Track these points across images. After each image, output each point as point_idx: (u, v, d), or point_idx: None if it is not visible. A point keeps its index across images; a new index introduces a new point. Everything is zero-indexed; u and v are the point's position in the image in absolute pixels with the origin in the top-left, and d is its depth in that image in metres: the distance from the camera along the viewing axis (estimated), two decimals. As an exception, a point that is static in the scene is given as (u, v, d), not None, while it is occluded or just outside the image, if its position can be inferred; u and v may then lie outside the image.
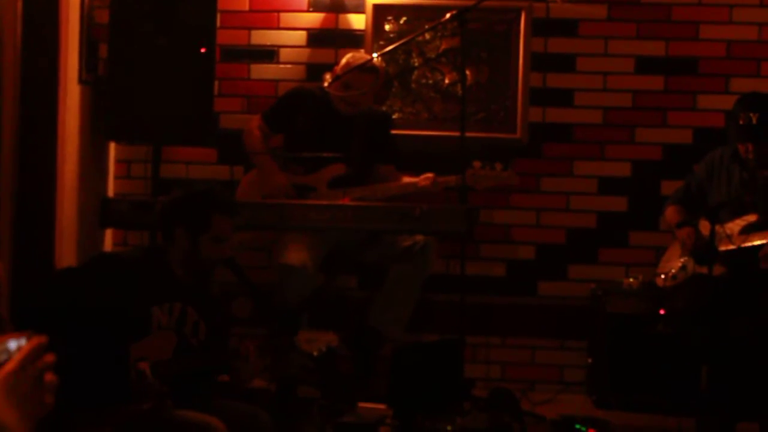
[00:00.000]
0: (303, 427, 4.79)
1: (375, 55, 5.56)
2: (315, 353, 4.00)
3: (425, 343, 5.34)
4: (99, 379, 3.55)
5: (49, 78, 5.08)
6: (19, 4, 4.84)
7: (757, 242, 4.91)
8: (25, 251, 4.93)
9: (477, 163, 5.22)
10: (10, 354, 1.68)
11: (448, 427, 4.61)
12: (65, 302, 3.70)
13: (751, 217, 5.03)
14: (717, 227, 4.76)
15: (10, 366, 1.66)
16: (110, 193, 5.96)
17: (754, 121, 4.98)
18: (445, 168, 5.40)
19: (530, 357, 5.94)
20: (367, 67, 5.42)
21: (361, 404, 4.96)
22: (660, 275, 5.32)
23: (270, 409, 4.31)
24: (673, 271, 5.24)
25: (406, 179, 5.44)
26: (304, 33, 6.03)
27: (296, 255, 5.15)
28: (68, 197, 5.30)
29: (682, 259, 5.22)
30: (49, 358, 1.70)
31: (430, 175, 5.36)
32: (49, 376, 1.71)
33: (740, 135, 5.07)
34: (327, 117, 5.51)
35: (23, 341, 1.69)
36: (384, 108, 5.92)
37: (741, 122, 5.03)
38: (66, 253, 5.19)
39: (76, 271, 4.33)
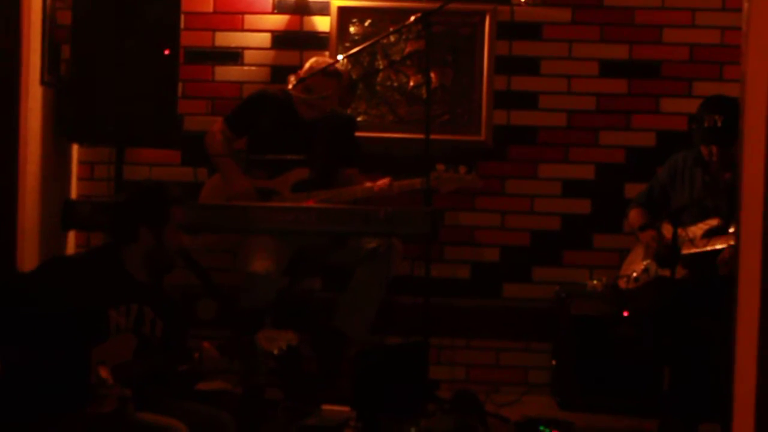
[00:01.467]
0: (267, 429, 4.77)
1: (339, 57, 5.55)
2: (275, 351, 4.02)
3: (389, 345, 5.35)
4: (59, 384, 3.54)
5: (10, 79, 5.02)
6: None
7: (719, 246, 4.93)
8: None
9: (441, 166, 5.22)
10: None
11: (412, 429, 4.61)
12: (19, 309, 3.68)
13: (714, 221, 5.05)
14: (679, 230, 4.78)
15: None
16: (73, 194, 5.92)
17: (719, 123, 5.01)
18: (410, 170, 5.40)
19: (495, 359, 5.95)
20: (330, 71, 5.41)
21: (326, 406, 4.95)
22: (623, 277, 5.34)
23: (235, 411, 4.30)
24: (636, 273, 5.26)
25: (369, 183, 5.43)
26: (268, 35, 6.02)
27: (261, 262, 5.13)
28: (30, 199, 5.24)
29: (644, 262, 5.25)
30: None
31: (386, 179, 5.36)
32: None
33: (705, 137, 5.09)
34: (290, 121, 5.50)
35: None
36: (349, 110, 5.91)
37: (706, 125, 5.05)
38: (28, 257, 5.14)
39: (28, 276, 4.29)
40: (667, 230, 5.07)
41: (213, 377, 4.64)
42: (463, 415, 4.89)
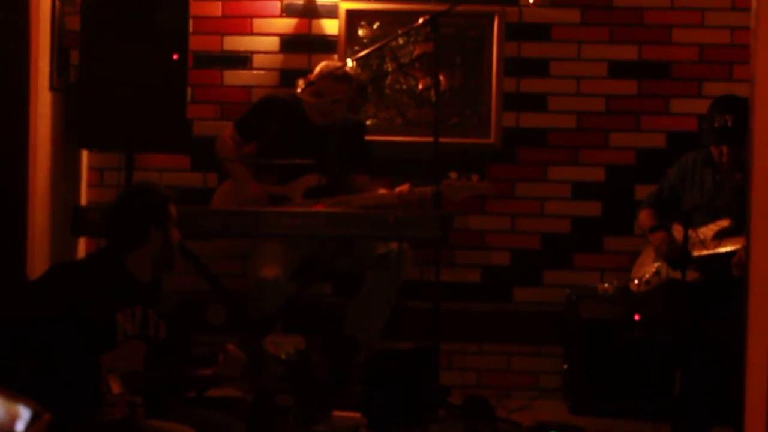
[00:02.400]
0: (277, 436, 4.77)
1: (349, 61, 5.54)
2: (283, 356, 4.01)
3: (400, 351, 5.33)
4: (68, 392, 3.53)
5: (19, 85, 5.03)
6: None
7: (730, 248, 4.91)
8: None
9: (453, 174, 5.20)
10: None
11: (423, 435, 4.61)
12: (27, 317, 3.68)
13: (724, 222, 5.03)
14: (690, 232, 4.76)
15: None
16: (83, 201, 5.92)
17: (729, 123, 4.99)
18: (419, 174, 5.40)
19: (506, 363, 5.93)
20: (339, 75, 5.40)
21: (336, 412, 4.93)
22: (634, 280, 5.32)
23: (246, 418, 4.31)
24: (647, 276, 5.24)
25: (382, 190, 5.41)
26: (277, 39, 6.01)
27: (270, 268, 5.12)
28: (40, 206, 5.25)
29: (655, 264, 5.22)
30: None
31: (405, 186, 5.33)
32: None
33: (715, 138, 5.07)
34: (300, 125, 5.49)
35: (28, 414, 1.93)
36: (358, 114, 5.90)
37: (716, 125, 5.03)
38: (38, 263, 5.14)
39: (34, 284, 4.29)
40: (677, 232, 5.05)
41: (226, 383, 4.63)
42: (473, 421, 4.89)
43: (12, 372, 3.46)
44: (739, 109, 4.90)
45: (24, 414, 1.77)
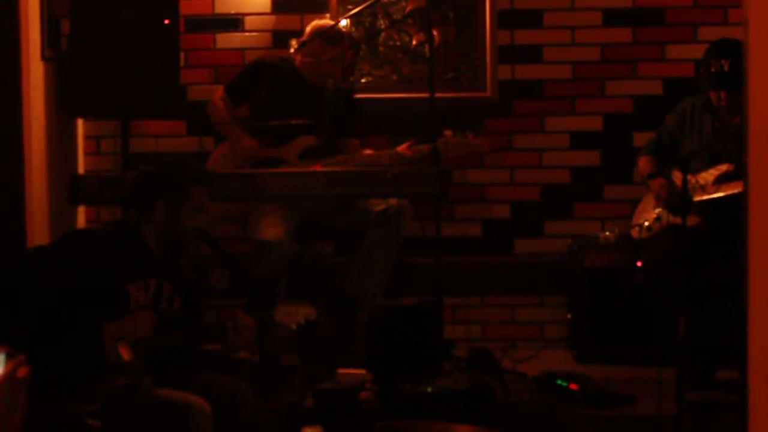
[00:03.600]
0: (284, 395, 4.78)
1: (342, 21, 5.51)
2: (293, 326, 4.01)
3: (402, 307, 5.33)
4: (74, 358, 3.54)
5: (11, 56, 5.01)
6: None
7: (731, 191, 4.90)
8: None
9: (448, 132, 5.18)
10: None
11: (428, 389, 4.62)
12: (37, 281, 3.68)
13: (724, 167, 5.02)
14: (690, 177, 4.75)
15: None
16: (81, 169, 5.91)
17: (726, 68, 4.96)
18: (416, 131, 5.38)
19: (510, 315, 5.95)
20: (333, 35, 5.37)
21: (341, 370, 4.96)
22: (635, 227, 5.32)
23: (252, 379, 4.32)
24: (648, 222, 5.24)
25: (368, 151, 5.40)
26: (268, 0, 5.97)
27: (271, 229, 5.13)
28: (37, 176, 5.24)
29: (656, 211, 5.22)
30: (24, 371, 1.97)
31: (405, 145, 5.31)
32: (22, 377, 1.97)
33: (712, 83, 5.05)
34: (292, 88, 5.46)
35: (1, 358, 1.92)
36: (353, 72, 5.88)
37: (713, 70, 5.01)
38: (37, 233, 5.14)
39: (48, 248, 4.30)
40: (677, 177, 5.04)
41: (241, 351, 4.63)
42: (479, 373, 4.90)
43: (17, 335, 3.45)
44: (735, 53, 4.87)
45: None
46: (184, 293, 4.01)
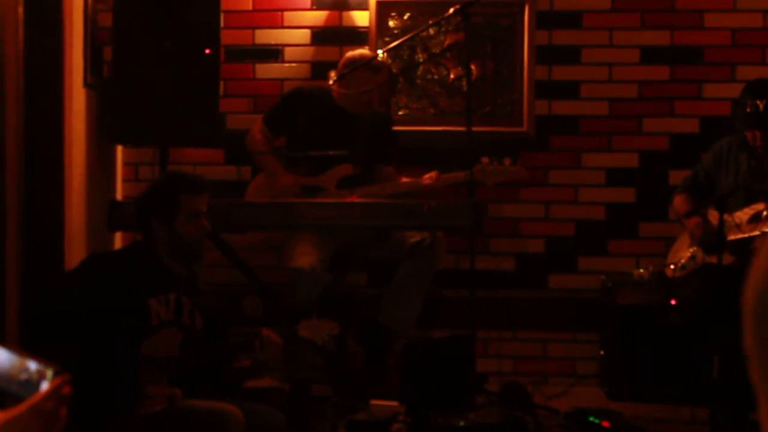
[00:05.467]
0: (316, 425, 4.78)
1: (379, 52, 5.55)
2: (318, 341, 4.02)
3: (436, 339, 5.34)
4: (108, 383, 3.55)
5: (54, 83, 5.06)
6: (21, 10, 4.82)
7: (766, 230, 4.89)
8: (35, 257, 4.93)
9: (485, 159, 5.21)
10: (33, 382, 1.92)
11: (461, 423, 4.61)
12: (68, 307, 3.70)
13: (760, 206, 5.01)
14: (726, 216, 4.74)
15: (42, 403, 1.92)
16: (118, 196, 5.96)
17: (761, 108, 4.97)
18: (452, 163, 5.40)
19: (542, 350, 5.94)
20: (371, 65, 5.41)
21: (374, 401, 4.95)
22: (669, 265, 5.31)
23: (283, 408, 4.32)
24: (683, 261, 5.23)
25: (412, 179, 5.43)
26: (308, 31, 6.02)
27: (305, 258, 5.14)
28: (76, 201, 5.30)
29: (691, 249, 5.21)
30: (68, 389, 1.97)
31: (433, 173, 5.35)
32: (66, 394, 1.98)
33: (747, 122, 5.05)
34: (329, 116, 5.50)
35: (49, 373, 1.93)
36: (390, 105, 5.92)
37: (748, 110, 5.01)
38: (75, 258, 5.17)
39: (72, 274, 4.32)
40: (713, 216, 5.03)
41: (265, 373, 4.64)
42: (511, 408, 4.89)
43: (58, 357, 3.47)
44: (770, 93, 4.89)
45: (47, 373, 1.90)
46: (204, 309, 4.03)
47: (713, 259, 4.91)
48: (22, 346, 1.95)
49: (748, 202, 5.07)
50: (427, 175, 5.37)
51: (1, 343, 1.92)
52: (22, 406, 1.90)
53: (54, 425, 1.93)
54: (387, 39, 5.88)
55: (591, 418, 4.91)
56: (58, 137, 5.10)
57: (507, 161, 5.25)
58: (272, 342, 3.96)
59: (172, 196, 3.97)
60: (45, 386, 1.90)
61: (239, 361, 4.07)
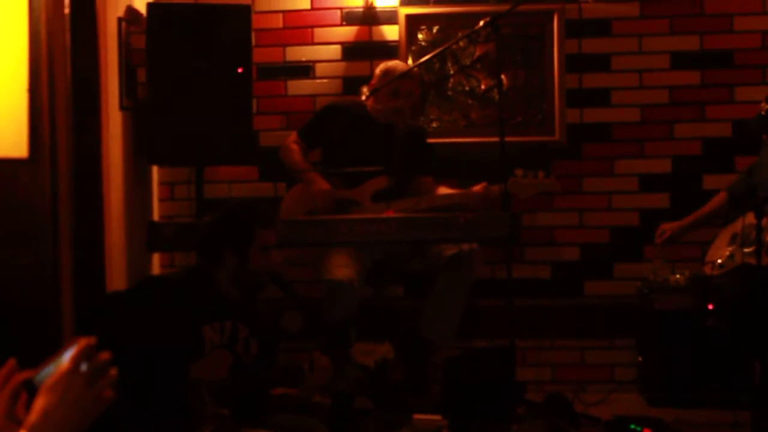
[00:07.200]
0: (359, 440, 4.81)
1: (413, 66, 5.56)
2: (372, 365, 4.03)
3: (477, 350, 5.35)
4: (159, 406, 3.58)
5: (92, 107, 5.11)
6: (68, 37, 4.83)
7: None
8: (84, 279, 4.97)
9: (519, 172, 5.22)
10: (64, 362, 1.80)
11: (505, 435, 4.64)
12: (119, 328, 3.73)
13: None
14: (765, 220, 4.75)
15: (62, 367, 1.78)
16: (155, 215, 6.02)
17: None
18: (484, 175, 5.41)
19: (580, 358, 5.95)
20: (405, 72, 5.43)
21: (417, 416, 4.96)
22: (708, 263, 5.33)
23: (326, 421, 4.34)
24: (721, 260, 5.24)
25: (444, 189, 5.45)
26: (338, 47, 6.07)
27: (342, 270, 5.17)
28: (116, 223, 5.35)
29: (729, 248, 5.22)
30: (105, 355, 1.82)
31: (482, 185, 5.34)
32: (111, 371, 1.83)
33: (763, 125, 5.08)
34: (363, 130, 5.52)
35: (74, 346, 1.81)
36: (421, 117, 5.95)
37: (762, 113, 5.05)
38: (116, 278, 5.24)
39: (125, 295, 4.36)
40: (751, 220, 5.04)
41: (312, 398, 4.66)
42: (554, 418, 4.90)
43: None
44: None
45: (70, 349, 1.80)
46: (260, 336, 4.05)
47: (751, 259, 4.91)
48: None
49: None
50: (474, 188, 5.37)
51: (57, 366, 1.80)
52: (55, 376, 1.78)
53: (92, 396, 1.79)
54: (414, 49, 5.90)
55: (633, 426, 4.91)
56: (97, 161, 5.16)
57: (540, 174, 5.26)
58: (322, 367, 3.98)
59: (248, 228, 4.00)
60: (71, 352, 1.79)
61: (287, 386, 4.10)
